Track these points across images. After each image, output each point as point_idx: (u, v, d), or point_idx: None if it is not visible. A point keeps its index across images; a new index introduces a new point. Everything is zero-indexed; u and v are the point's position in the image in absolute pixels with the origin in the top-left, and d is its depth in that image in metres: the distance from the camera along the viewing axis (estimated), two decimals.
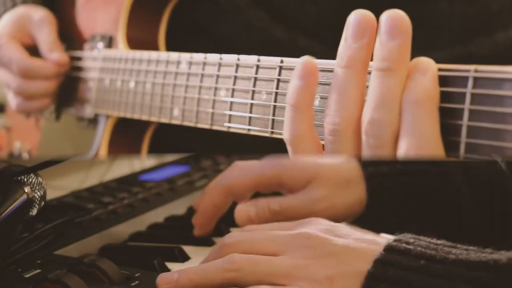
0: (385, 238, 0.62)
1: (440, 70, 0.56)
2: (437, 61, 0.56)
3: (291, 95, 0.61)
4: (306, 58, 0.61)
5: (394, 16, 0.55)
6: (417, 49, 0.57)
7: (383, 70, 0.56)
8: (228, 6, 0.91)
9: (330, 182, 0.79)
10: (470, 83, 0.54)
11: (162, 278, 0.63)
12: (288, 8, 0.88)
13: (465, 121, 0.54)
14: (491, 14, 0.83)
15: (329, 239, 0.62)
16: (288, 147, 0.64)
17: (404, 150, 0.55)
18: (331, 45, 0.63)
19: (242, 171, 0.82)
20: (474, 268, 0.55)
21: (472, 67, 0.54)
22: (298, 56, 0.68)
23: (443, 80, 0.56)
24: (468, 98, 0.54)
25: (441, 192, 0.79)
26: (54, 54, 1.03)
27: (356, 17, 0.58)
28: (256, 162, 0.83)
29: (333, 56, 0.63)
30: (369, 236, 0.63)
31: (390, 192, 0.76)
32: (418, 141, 0.55)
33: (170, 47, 0.96)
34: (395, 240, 0.60)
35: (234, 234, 0.67)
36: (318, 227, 0.64)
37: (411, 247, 0.58)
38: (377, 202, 0.79)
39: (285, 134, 0.63)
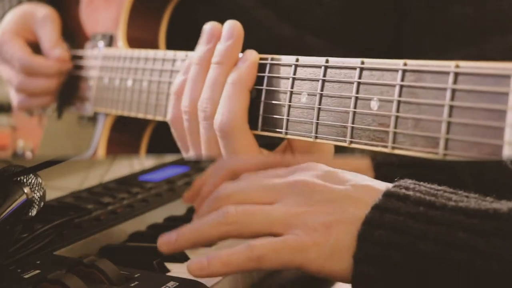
0: (385, 184, 0.61)
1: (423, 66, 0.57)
2: None
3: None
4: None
5: (230, 24, 0.72)
6: (430, 51, 0.58)
7: (215, 63, 0.72)
8: (234, 5, 0.91)
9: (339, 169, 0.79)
10: (451, 78, 0.54)
11: (162, 240, 0.66)
12: (294, 7, 0.88)
13: (445, 117, 0.54)
14: (503, 15, 0.83)
15: (327, 186, 0.62)
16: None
17: (216, 118, 0.70)
18: (337, 43, 0.64)
19: (248, 156, 0.82)
20: (474, 216, 0.54)
21: (452, 63, 0.54)
22: (304, 54, 0.68)
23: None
24: (448, 94, 0.54)
25: (448, 185, 0.79)
26: (56, 51, 1.03)
27: (207, 27, 0.75)
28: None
29: (338, 54, 0.64)
30: (368, 182, 0.63)
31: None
32: (226, 110, 0.69)
33: (172, 47, 0.96)
34: (394, 186, 0.60)
35: (227, 185, 0.67)
36: (315, 173, 0.64)
37: (410, 193, 0.58)
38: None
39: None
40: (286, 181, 0.64)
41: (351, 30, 0.86)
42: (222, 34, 0.73)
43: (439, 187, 0.60)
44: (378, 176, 0.79)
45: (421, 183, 0.61)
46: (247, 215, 0.61)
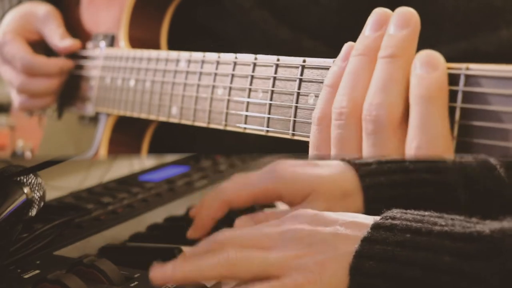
0: (371, 217, 0.63)
1: None
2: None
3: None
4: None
5: (404, 11, 0.58)
6: (421, 44, 0.58)
7: (386, 56, 0.58)
8: (232, 6, 0.91)
9: (328, 196, 0.80)
10: (462, 81, 0.54)
11: (155, 272, 0.62)
12: (291, 9, 0.88)
13: (457, 119, 0.55)
14: (494, 9, 0.83)
15: (315, 230, 0.63)
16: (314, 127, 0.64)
17: (413, 145, 0.55)
18: (335, 45, 0.63)
19: (240, 184, 0.83)
20: (458, 240, 0.55)
21: (463, 65, 0.54)
22: (301, 56, 0.68)
23: None
24: (460, 96, 0.54)
25: (439, 202, 0.79)
26: (66, 42, 1.03)
27: (376, 11, 0.60)
28: (254, 174, 0.84)
29: (335, 54, 0.65)
30: (355, 218, 0.64)
31: (387, 202, 0.77)
32: (427, 137, 0.55)
33: (173, 47, 0.96)
34: (381, 218, 0.61)
35: (225, 231, 0.67)
36: (303, 219, 0.65)
37: (397, 222, 0.59)
38: (374, 213, 0.80)
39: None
40: (279, 230, 0.65)
41: (348, 30, 0.86)
42: (394, 22, 0.58)
43: (425, 213, 0.61)
44: (367, 197, 0.80)
45: (408, 211, 0.62)
46: (246, 258, 0.62)
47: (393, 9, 0.59)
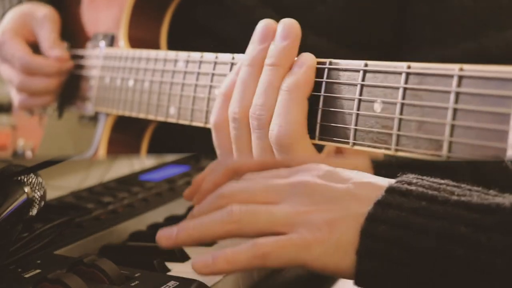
0: (387, 180, 0.61)
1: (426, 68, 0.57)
2: (448, 57, 0.57)
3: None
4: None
5: (286, 22, 0.67)
6: (428, 45, 0.58)
7: (269, 65, 0.67)
8: (236, 6, 0.91)
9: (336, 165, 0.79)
10: (455, 82, 0.54)
11: (161, 234, 0.64)
12: (296, 7, 0.88)
13: (449, 120, 0.55)
14: (501, 9, 0.83)
15: (328, 185, 0.62)
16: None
17: (272, 129, 0.65)
18: (340, 43, 0.64)
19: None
20: (476, 211, 0.54)
21: (456, 66, 0.54)
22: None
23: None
24: (452, 97, 0.54)
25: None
26: (55, 51, 1.03)
27: (261, 24, 0.69)
28: None
29: (340, 54, 0.65)
30: (370, 179, 0.63)
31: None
32: (283, 121, 0.65)
33: (173, 47, 0.96)
34: (396, 182, 0.60)
35: (231, 184, 0.67)
36: (316, 173, 0.64)
37: (412, 188, 0.58)
38: None
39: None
40: (288, 182, 0.64)
41: (353, 28, 0.86)
42: (277, 34, 0.68)
43: (442, 181, 0.60)
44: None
45: (424, 177, 0.61)
46: (251, 214, 0.61)
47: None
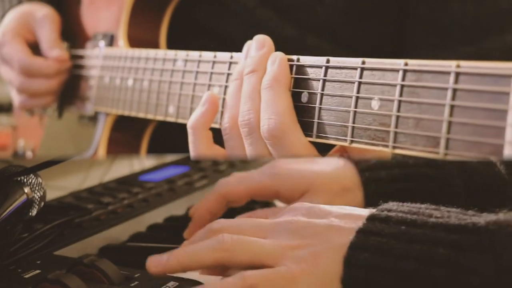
0: (367, 210, 0.63)
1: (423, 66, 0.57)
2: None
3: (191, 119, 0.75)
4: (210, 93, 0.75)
5: (260, 37, 0.72)
6: (429, 49, 0.58)
7: (248, 73, 0.70)
8: (236, 5, 0.91)
9: (327, 191, 0.80)
10: (452, 78, 0.54)
11: (151, 260, 0.64)
12: (296, 8, 0.88)
13: (446, 117, 0.55)
14: (502, 14, 0.83)
15: (310, 222, 0.63)
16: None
17: (263, 124, 0.67)
18: (339, 44, 0.65)
19: (238, 179, 0.83)
20: (453, 232, 0.55)
21: (454, 62, 0.55)
22: (306, 54, 0.69)
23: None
24: (449, 94, 0.55)
25: (439, 197, 0.79)
26: (54, 52, 1.03)
27: (246, 44, 0.73)
28: (253, 171, 0.84)
29: (340, 54, 0.66)
30: (350, 210, 0.64)
31: (387, 197, 0.78)
32: (272, 114, 0.67)
33: (173, 47, 0.96)
34: (377, 209, 0.61)
35: (221, 221, 0.67)
36: (298, 212, 0.65)
37: (392, 214, 0.59)
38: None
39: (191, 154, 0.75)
40: (274, 221, 0.65)
41: (353, 29, 0.87)
42: (253, 46, 0.72)
43: (421, 205, 0.61)
44: (368, 192, 0.80)
45: (404, 203, 0.62)
46: (242, 243, 0.62)
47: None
